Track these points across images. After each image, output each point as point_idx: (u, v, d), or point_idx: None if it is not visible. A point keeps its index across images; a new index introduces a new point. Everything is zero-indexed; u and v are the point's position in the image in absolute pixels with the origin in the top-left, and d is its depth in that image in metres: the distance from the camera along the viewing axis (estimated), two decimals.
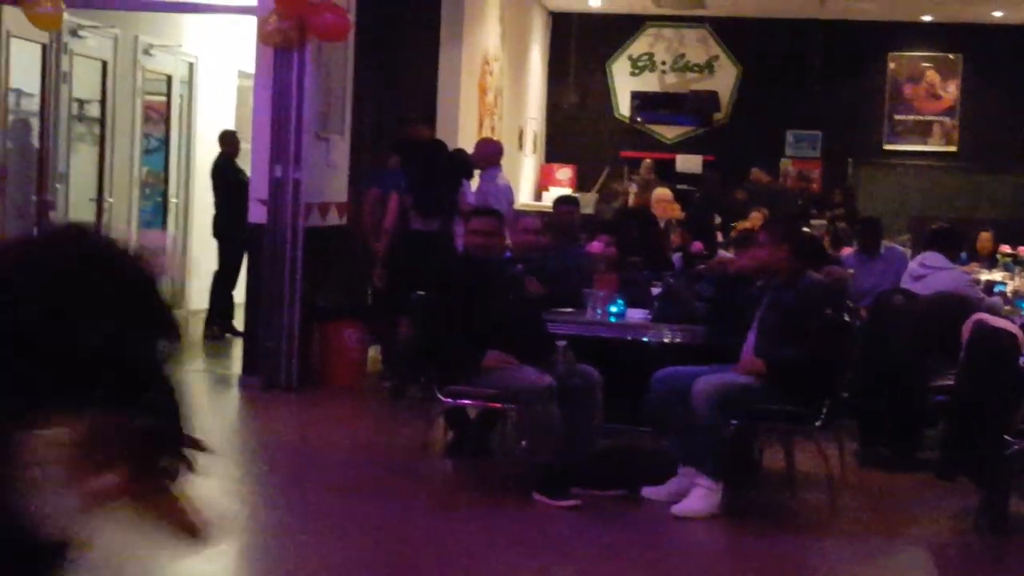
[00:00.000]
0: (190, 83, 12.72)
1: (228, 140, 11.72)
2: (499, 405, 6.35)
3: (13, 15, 9.47)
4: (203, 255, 12.54)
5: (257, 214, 8.99)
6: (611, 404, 6.41)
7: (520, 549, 5.64)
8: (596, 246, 8.08)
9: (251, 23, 9.15)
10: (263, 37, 8.83)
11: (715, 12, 17.70)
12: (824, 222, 14.11)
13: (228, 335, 11.20)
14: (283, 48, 8.77)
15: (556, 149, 18.89)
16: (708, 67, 18.74)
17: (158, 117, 12.50)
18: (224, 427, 8.27)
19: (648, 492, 6.29)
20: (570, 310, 7.03)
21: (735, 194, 15.03)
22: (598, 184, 16.95)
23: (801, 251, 6.47)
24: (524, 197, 16.82)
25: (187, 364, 10.38)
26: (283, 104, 8.82)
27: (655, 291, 7.18)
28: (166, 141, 12.57)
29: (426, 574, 5.35)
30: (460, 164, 9.53)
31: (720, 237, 11.65)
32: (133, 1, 11.01)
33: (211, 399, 9.12)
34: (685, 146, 18.49)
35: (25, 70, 10.16)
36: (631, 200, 14.98)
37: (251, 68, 9.49)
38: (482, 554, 5.58)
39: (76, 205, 10.98)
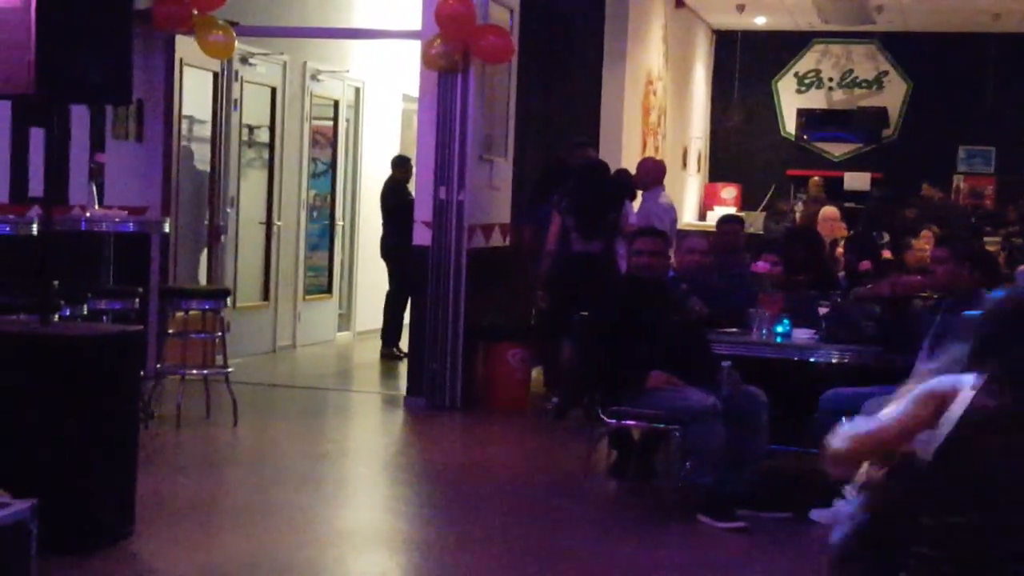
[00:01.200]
0: (356, 107, 12.93)
1: (400, 164, 11.84)
2: (663, 426, 6.29)
3: (186, 44, 9.75)
4: (369, 277, 12.72)
5: (422, 236, 9.08)
6: (777, 425, 6.30)
7: (685, 572, 5.56)
8: (762, 265, 7.95)
9: (416, 47, 9.26)
10: (427, 61, 8.93)
11: (885, 27, 17.32)
12: (998, 239, 13.70)
13: (400, 356, 11.30)
14: (447, 71, 8.85)
15: (720, 168, 18.70)
16: (877, 83, 18.35)
17: (325, 141, 12.73)
18: (389, 447, 8.35)
19: (816, 515, 6.14)
20: (735, 330, 6.93)
21: (905, 212, 14.69)
22: (764, 202, 16.75)
23: (982, 269, 6.29)
24: (688, 216, 16.69)
25: (356, 385, 10.57)
26: (447, 127, 8.90)
27: (822, 311, 7.03)
28: (333, 165, 12.79)
29: None
30: (622, 184, 9.50)
31: (890, 255, 11.39)
32: (302, 28, 11.24)
33: (377, 419, 9.23)
34: (853, 163, 18.14)
35: (197, 97, 10.44)
36: (797, 218, 14.76)
37: (416, 92, 9.59)
38: (645, 572, 5.52)
39: (246, 228, 11.23)
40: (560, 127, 11.55)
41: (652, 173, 10.02)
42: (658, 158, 12.53)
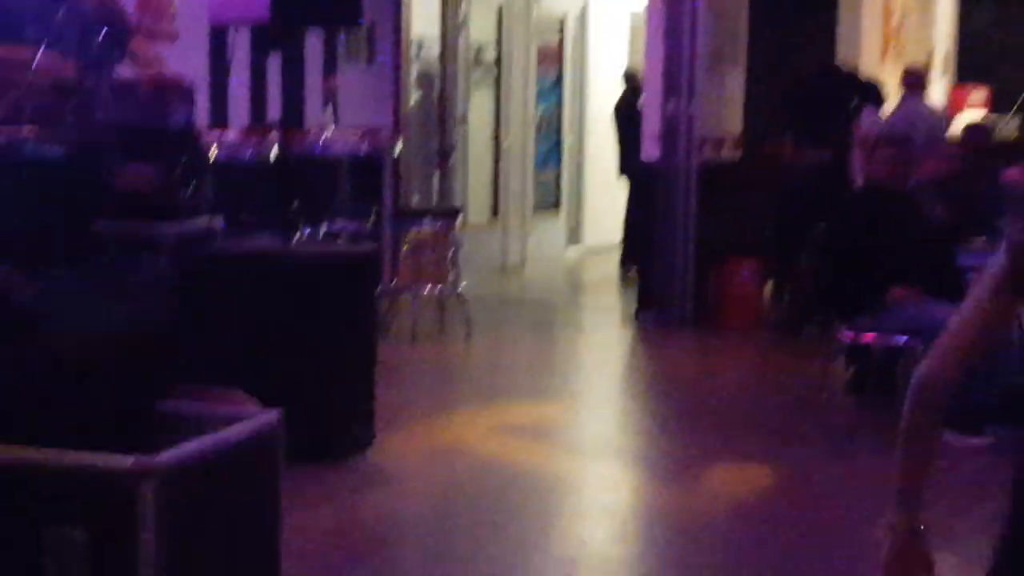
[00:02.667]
0: (583, 24, 12.84)
1: (633, 79, 11.67)
2: (904, 341, 6.10)
3: None
4: (597, 193, 12.69)
5: (651, 151, 8.98)
6: None
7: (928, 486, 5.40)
8: (1014, 172, 7.59)
9: None
10: None
11: None
12: None
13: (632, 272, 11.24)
14: None
15: (969, 69, 17.83)
16: None
17: (552, 58, 12.69)
18: (620, 362, 8.36)
19: None
20: (982, 240, 6.65)
21: None
22: (1018, 104, 15.95)
23: None
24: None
25: (586, 300, 10.60)
26: (676, 39, 8.75)
27: None
28: (559, 81, 12.75)
29: (827, 513, 5.21)
30: (857, 88, 9.17)
31: None
32: None
33: (608, 334, 9.23)
34: None
35: (426, 20, 10.52)
36: None
37: (643, 5, 9.45)
38: (886, 492, 5.38)
39: (475, 147, 11.32)
40: (796, 35, 11.21)
41: (908, 79, 9.64)
42: (913, 64, 12.04)
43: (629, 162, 11.40)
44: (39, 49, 5.13)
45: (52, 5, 5.32)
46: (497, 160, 11.72)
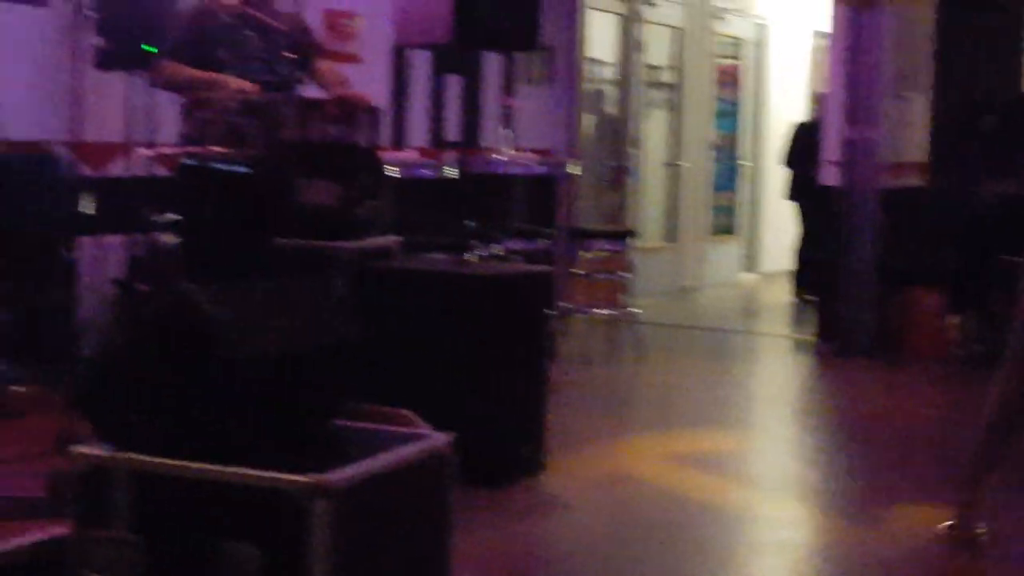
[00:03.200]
0: (762, 46, 12.70)
1: (814, 100, 11.44)
2: None
3: None
4: (775, 217, 12.51)
5: (830, 176, 8.82)
6: None
7: None
8: None
9: None
10: None
11: None
12: None
13: (811, 299, 11.04)
14: (859, 6, 8.54)
15: None
16: None
17: (730, 81, 12.58)
18: (797, 392, 8.21)
19: None
20: None
21: None
22: None
23: None
24: None
25: (762, 327, 10.44)
26: (859, 63, 8.59)
27: None
28: (738, 104, 12.63)
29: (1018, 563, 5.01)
30: None
31: None
32: None
33: (785, 363, 9.08)
34: None
35: (602, 40, 10.52)
36: None
37: (826, 28, 9.29)
38: None
39: (650, 169, 11.27)
40: (988, 62, 10.91)
41: None
42: None
43: (804, 186, 11.20)
44: (229, 70, 5.26)
45: (242, 28, 5.46)
46: (673, 182, 11.65)
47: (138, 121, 6.43)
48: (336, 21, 8.16)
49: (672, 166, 11.62)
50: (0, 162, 5.69)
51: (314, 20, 7.29)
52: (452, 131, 8.82)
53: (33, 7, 6.42)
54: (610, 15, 10.53)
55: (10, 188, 5.45)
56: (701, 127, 11.95)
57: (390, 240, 5.85)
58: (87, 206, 6.09)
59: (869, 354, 8.57)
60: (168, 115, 5.22)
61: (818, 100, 11.37)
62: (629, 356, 8.15)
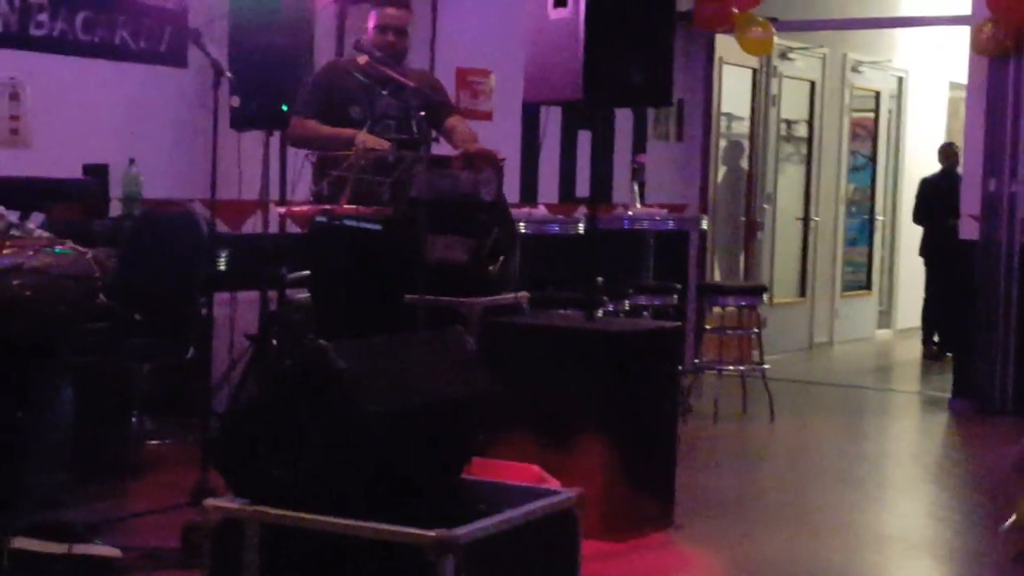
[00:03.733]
0: (899, 97, 12.54)
1: (948, 153, 11.24)
2: None
3: (725, 43, 9.81)
4: (910, 273, 12.30)
5: (969, 230, 8.66)
6: None
7: None
8: None
9: (964, 33, 8.84)
10: (977, 47, 8.50)
11: None
12: None
13: (945, 355, 10.82)
14: (998, 56, 8.40)
15: None
16: None
17: (865, 134, 12.44)
18: (932, 449, 8.03)
19: None
20: None
21: None
22: None
23: None
24: None
25: (896, 384, 10.24)
26: (998, 115, 8.44)
27: None
28: (873, 158, 12.47)
29: None
30: None
31: None
32: (843, 20, 11.02)
33: (919, 420, 8.90)
34: None
35: (735, 95, 10.49)
36: None
37: (963, 79, 9.15)
38: None
39: (782, 224, 11.17)
40: None
41: None
42: None
43: (933, 240, 11.00)
44: (362, 128, 5.36)
45: (375, 86, 5.55)
46: (806, 237, 11.53)
47: (272, 179, 6.58)
48: (468, 79, 8.28)
49: (805, 221, 11.50)
50: (141, 220, 5.85)
51: (446, 77, 7.41)
52: (582, 187, 8.85)
53: (174, 69, 6.63)
54: (744, 69, 10.50)
55: (150, 245, 5.60)
56: (835, 181, 11.82)
57: (520, 296, 5.88)
58: (223, 263, 6.24)
59: (1006, 412, 8.36)
60: (301, 173, 5.33)
61: (946, 152, 11.19)
62: (761, 413, 8.06)
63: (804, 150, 11.54)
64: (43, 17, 6.09)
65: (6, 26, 5.94)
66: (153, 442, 6.28)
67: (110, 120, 6.39)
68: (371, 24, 5.68)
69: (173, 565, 4.35)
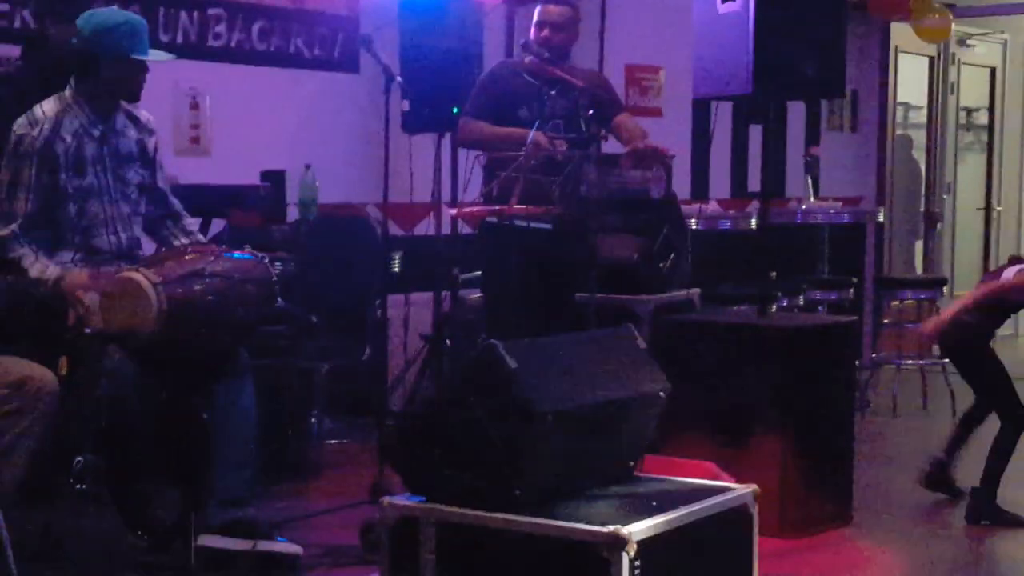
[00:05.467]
0: None
1: None
2: None
3: (900, 31, 9.60)
4: None
5: None
6: None
7: None
8: None
9: None
10: None
11: None
12: None
13: None
14: None
15: None
16: None
17: None
18: None
19: None
20: None
21: None
22: None
23: None
24: None
25: None
26: None
27: None
28: None
29: None
30: None
31: None
32: (1022, 5, 10.69)
33: None
34: None
35: (912, 83, 10.26)
36: None
37: None
38: None
39: (963, 214, 10.88)
40: None
41: None
42: None
43: None
44: (531, 129, 5.39)
45: (543, 86, 5.58)
46: (987, 227, 11.21)
47: (444, 181, 6.66)
48: (637, 75, 8.26)
49: (987, 210, 11.19)
50: (317, 225, 5.98)
51: (615, 74, 7.41)
52: (754, 181, 8.75)
53: (347, 75, 6.76)
54: (920, 57, 10.25)
55: (326, 249, 5.72)
56: (1017, 169, 11.47)
57: (692, 293, 5.85)
58: (397, 265, 6.34)
59: None
60: (472, 174, 5.38)
61: None
62: (942, 408, 7.85)
63: (984, 138, 11.22)
64: (221, 28, 6.27)
65: (186, 38, 6.13)
66: (332, 442, 6.41)
67: (286, 126, 6.54)
68: (533, 20, 5.71)
69: (352, 562, 4.44)
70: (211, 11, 6.22)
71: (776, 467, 5.02)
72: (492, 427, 3.26)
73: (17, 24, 5.54)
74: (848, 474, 5.40)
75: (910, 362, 8.24)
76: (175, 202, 4.65)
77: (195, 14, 6.15)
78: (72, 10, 4.52)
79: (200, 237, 4.76)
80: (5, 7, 5.52)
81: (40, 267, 4.21)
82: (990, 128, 11.19)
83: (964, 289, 10.88)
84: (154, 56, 4.38)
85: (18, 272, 4.21)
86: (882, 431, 7.39)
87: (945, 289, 8.71)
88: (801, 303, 7.64)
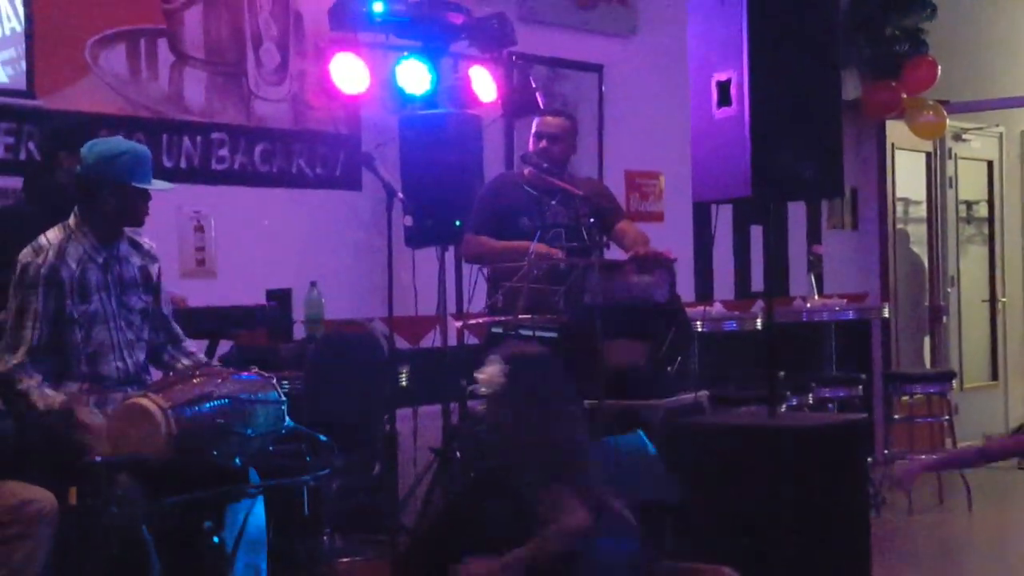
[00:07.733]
0: None
1: None
2: None
3: (896, 128, 9.69)
4: None
5: None
6: None
7: None
8: None
9: None
10: None
11: None
12: None
13: None
14: None
15: None
16: None
17: None
18: None
19: None
20: None
21: None
22: None
23: None
24: None
25: None
26: None
27: None
28: None
29: None
30: None
31: None
32: (1017, 99, 10.78)
33: None
34: None
35: (910, 179, 10.33)
36: None
37: None
38: None
39: (968, 307, 10.89)
40: None
41: None
42: None
43: None
44: (533, 238, 5.42)
45: (544, 196, 5.63)
46: (994, 319, 11.21)
47: (448, 292, 6.67)
48: (637, 181, 8.32)
49: (992, 302, 11.19)
50: (324, 342, 5.98)
51: (615, 180, 7.47)
52: (758, 281, 8.77)
53: (349, 192, 6.81)
54: (917, 153, 10.34)
55: (333, 366, 5.72)
56: (1020, 260, 11.49)
57: (700, 395, 5.84)
58: (404, 378, 6.33)
59: None
60: (476, 285, 5.40)
61: None
62: (958, 503, 7.79)
63: (986, 230, 11.26)
64: (224, 152, 6.34)
65: (189, 162, 6.20)
66: (344, 559, 6.35)
67: (291, 245, 6.58)
68: (532, 132, 5.77)
69: None
70: (214, 135, 6.29)
71: (793, 568, 4.97)
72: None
73: (23, 155, 5.59)
74: (866, 573, 5.35)
75: (923, 457, 8.18)
76: (175, 326, 4.67)
77: (198, 139, 6.22)
78: (78, 139, 4.58)
79: (201, 358, 4.76)
80: (10, 140, 5.58)
81: (47, 399, 4.21)
82: (990, 220, 11.24)
83: (974, 381, 10.87)
84: (155, 185, 4.42)
85: (26, 405, 4.21)
86: (898, 528, 7.33)
87: (954, 382, 8.68)
88: (810, 401, 7.62)
